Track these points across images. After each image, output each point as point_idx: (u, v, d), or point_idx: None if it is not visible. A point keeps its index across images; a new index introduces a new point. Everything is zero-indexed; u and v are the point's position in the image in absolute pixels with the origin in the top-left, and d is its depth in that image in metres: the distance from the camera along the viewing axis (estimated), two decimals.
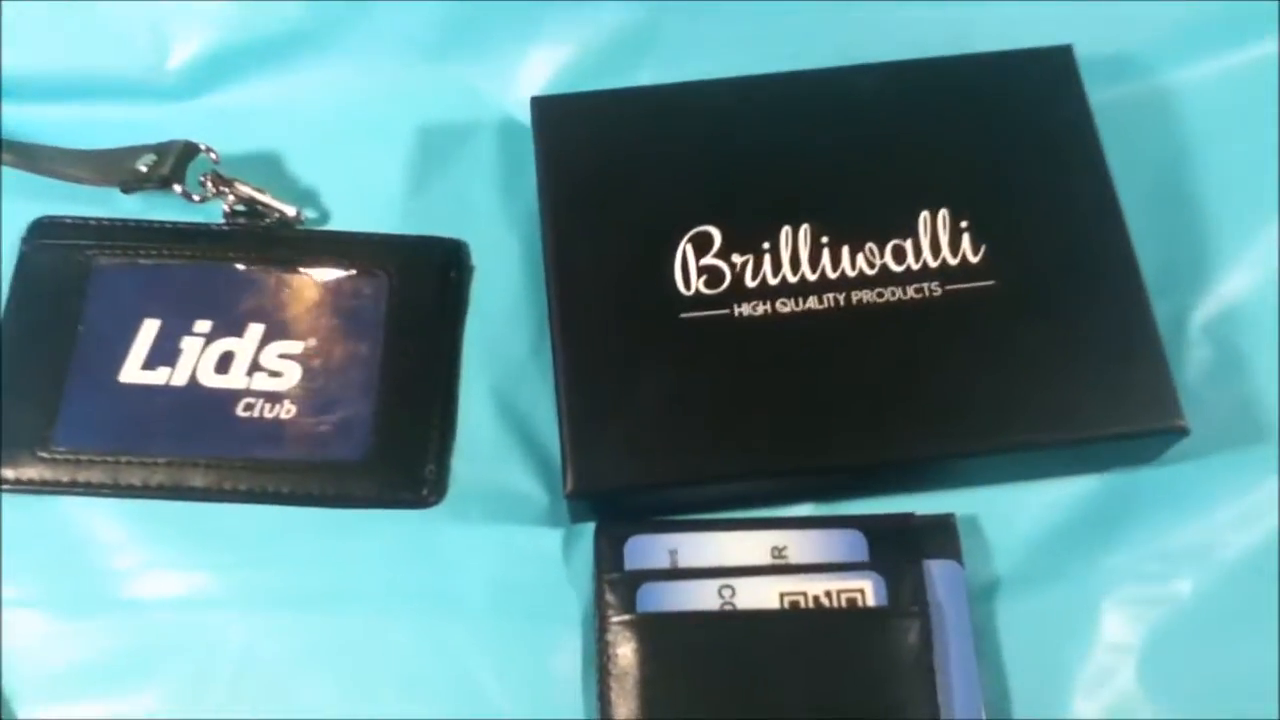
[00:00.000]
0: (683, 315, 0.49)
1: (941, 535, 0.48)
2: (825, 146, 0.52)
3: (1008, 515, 0.49)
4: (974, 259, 0.49)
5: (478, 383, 0.52)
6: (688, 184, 0.51)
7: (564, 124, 0.53)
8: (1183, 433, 0.47)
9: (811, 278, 0.49)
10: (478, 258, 0.55)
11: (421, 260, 0.54)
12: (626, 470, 0.47)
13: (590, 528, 0.48)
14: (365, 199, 0.56)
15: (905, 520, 0.48)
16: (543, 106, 0.53)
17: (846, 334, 0.48)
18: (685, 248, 0.50)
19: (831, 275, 0.49)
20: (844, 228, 0.50)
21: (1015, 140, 0.52)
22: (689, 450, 0.47)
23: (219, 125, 0.57)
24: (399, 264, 0.54)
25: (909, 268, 0.49)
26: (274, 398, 0.51)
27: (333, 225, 0.56)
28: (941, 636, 0.45)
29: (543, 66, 0.58)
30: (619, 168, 0.52)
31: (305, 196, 0.56)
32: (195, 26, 0.58)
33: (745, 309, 0.49)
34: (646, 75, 0.57)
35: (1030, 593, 0.48)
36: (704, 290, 0.49)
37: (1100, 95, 0.54)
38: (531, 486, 0.50)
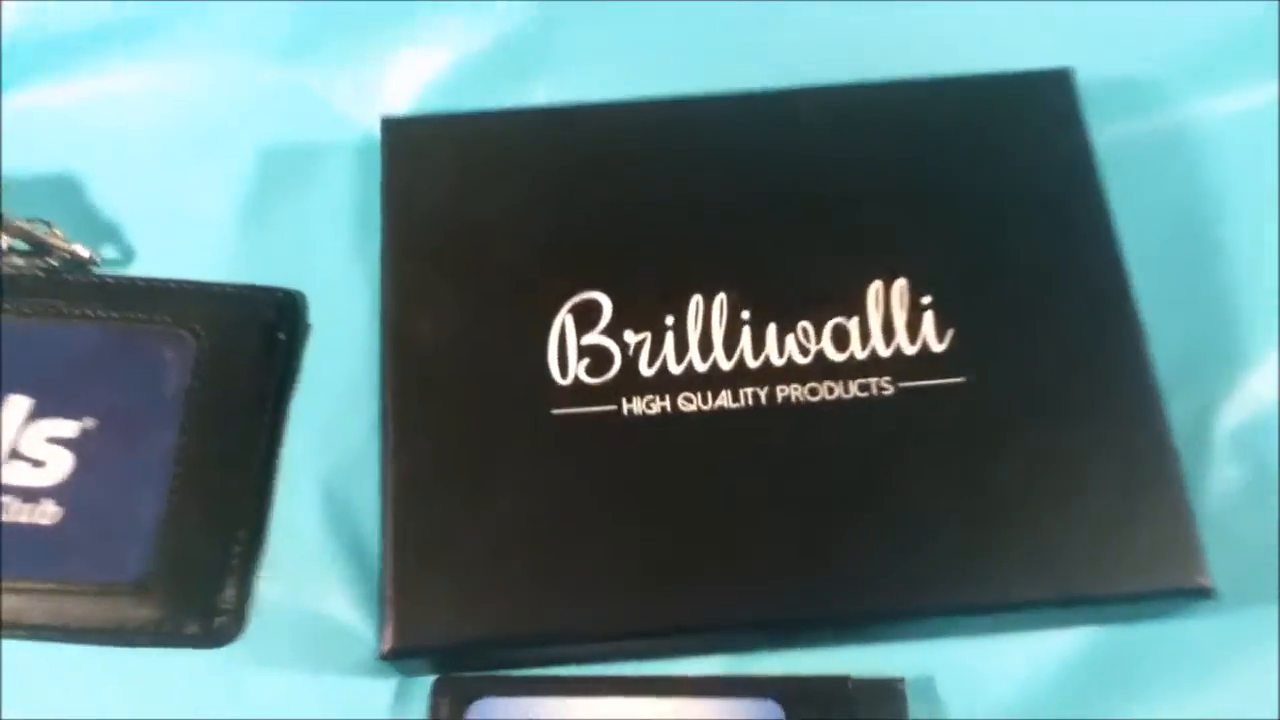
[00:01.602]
0: (556, 411, 0.37)
1: (886, 705, 0.37)
2: (751, 192, 0.40)
3: (973, 677, 0.38)
4: (938, 347, 0.38)
5: (303, 478, 0.41)
6: (573, 236, 0.40)
7: (421, 152, 0.42)
8: (1205, 594, 0.35)
9: (726, 366, 0.38)
10: (318, 314, 0.44)
11: (242, 316, 0.43)
12: (470, 623, 0.35)
13: (429, 680, 0.37)
14: (183, 236, 0.45)
15: (839, 686, 0.37)
16: (396, 130, 0.42)
17: (769, 444, 0.37)
18: (564, 320, 0.38)
19: (752, 363, 0.38)
20: (771, 300, 0.39)
21: (997, 190, 0.40)
22: (556, 597, 0.36)
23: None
24: (212, 321, 0.43)
25: (853, 356, 0.38)
26: (31, 495, 0.40)
27: (138, 269, 0.45)
28: None
29: (414, 76, 0.48)
30: (487, 212, 0.40)
31: (106, 232, 0.45)
32: None
33: (638, 405, 0.37)
34: (541, 90, 0.47)
35: None
36: (585, 378, 0.38)
37: (1106, 132, 0.43)
38: (359, 619, 0.39)
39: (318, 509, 0.41)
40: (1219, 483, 0.40)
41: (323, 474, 0.41)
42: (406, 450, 0.37)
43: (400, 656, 0.35)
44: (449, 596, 0.35)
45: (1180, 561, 0.35)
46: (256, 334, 0.43)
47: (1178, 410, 0.38)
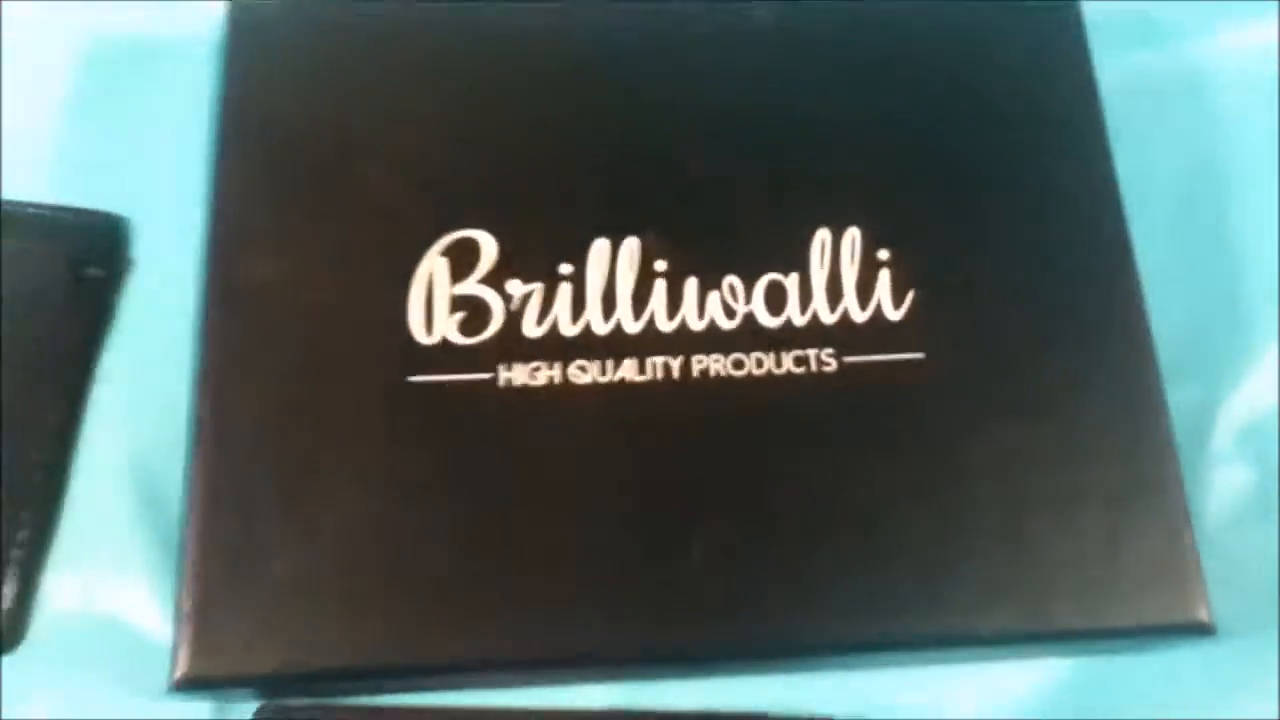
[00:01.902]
0: (414, 378, 0.30)
1: None
2: (677, 115, 0.33)
3: (918, 718, 0.31)
4: (895, 314, 0.31)
5: (109, 453, 0.34)
6: (453, 158, 0.32)
7: (272, 46, 0.33)
8: (1203, 630, 0.29)
9: (632, 328, 0.31)
10: (146, 247, 0.36)
11: (45, 246, 0.35)
12: (288, 650, 0.28)
13: (249, 706, 0.30)
14: None
15: None
16: (242, 17, 0.34)
17: (680, 427, 0.30)
18: (433, 264, 0.31)
19: (665, 326, 0.31)
20: (692, 248, 0.31)
21: (979, 128, 0.33)
22: (402, 621, 0.28)
23: None
24: (7, 251, 0.34)
25: (790, 322, 0.31)
26: None
27: None
28: None
29: None
30: (348, 124, 0.32)
31: None
32: None
33: (520, 374, 0.30)
34: None
35: None
36: (455, 338, 0.30)
37: (1111, 70, 0.35)
38: (168, 629, 0.31)
39: (125, 492, 0.33)
40: (1219, 489, 0.34)
41: (134, 449, 0.34)
42: (222, 427, 0.29)
43: (196, 687, 0.27)
44: (264, 616, 0.28)
45: (1176, 591, 0.29)
46: (62, 268, 0.35)
47: (1179, 399, 0.32)
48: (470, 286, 0.31)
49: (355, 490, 0.29)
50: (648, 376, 0.30)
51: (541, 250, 0.31)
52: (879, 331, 0.31)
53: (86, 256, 0.35)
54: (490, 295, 0.31)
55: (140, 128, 0.37)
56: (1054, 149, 0.33)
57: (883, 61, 0.34)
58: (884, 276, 0.31)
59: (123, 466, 0.33)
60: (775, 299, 0.31)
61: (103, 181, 0.36)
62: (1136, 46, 0.38)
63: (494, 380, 0.30)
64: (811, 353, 0.30)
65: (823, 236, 0.31)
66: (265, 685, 0.28)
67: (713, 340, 0.30)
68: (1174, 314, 0.34)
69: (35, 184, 0.36)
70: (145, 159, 0.37)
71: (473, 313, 0.30)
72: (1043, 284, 0.31)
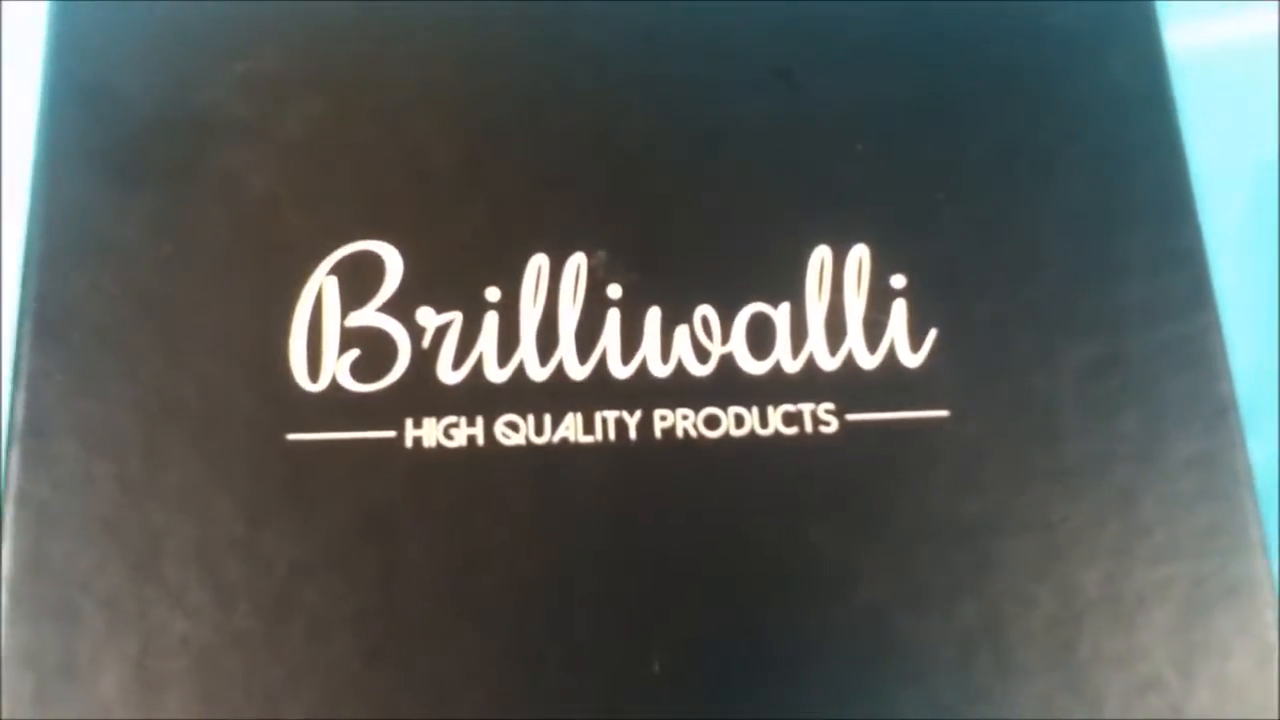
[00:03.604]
0: (294, 436, 0.23)
1: None
2: (635, 95, 0.26)
3: None
4: (913, 358, 0.24)
5: None
6: (345, 149, 0.25)
7: (105, 54, 0.26)
8: None
9: (578, 373, 0.24)
10: None
11: None
12: None
13: None
14: None
15: None
16: (65, 20, 0.26)
17: (638, 502, 0.23)
18: (320, 285, 0.24)
19: (619, 372, 0.24)
20: (655, 270, 0.24)
21: (1018, 116, 0.26)
22: None
23: None
24: None
25: (779, 368, 0.24)
26: None
27: None
28: None
29: None
30: (206, 103, 0.25)
31: None
32: None
33: (431, 432, 0.23)
34: None
35: None
36: (348, 384, 0.24)
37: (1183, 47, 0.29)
38: None
39: None
40: None
41: None
42: (36, 501, 0.22)
43: None
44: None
45: (1255, 688, 0.23)
46: None
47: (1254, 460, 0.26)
48: (368, 316, 0.24)
49: (214, 584, 0.22)
50: (596, 437, 0.23)
51: (461, 269, 0.24)
52: (892, 382, 0.24)
53: None
54: (395, 327, 0.24)
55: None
56: (1117, 144, 0.26)
57: (901, 31, 0.27)
58: (899, 309, 0.24)
59: None
60: (760, 337, 0.24)
61: None
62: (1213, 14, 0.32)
63: (399, 440, 0.23)
64: (806, 408, 0.24)
65: (822, 255, 0.25)
66: None
67: (680, 390, 0.24)
68: (1246, 350, 0.28)
69: None
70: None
71: (371, 350, 0.24)
72: (1101, 323, 0.25)
